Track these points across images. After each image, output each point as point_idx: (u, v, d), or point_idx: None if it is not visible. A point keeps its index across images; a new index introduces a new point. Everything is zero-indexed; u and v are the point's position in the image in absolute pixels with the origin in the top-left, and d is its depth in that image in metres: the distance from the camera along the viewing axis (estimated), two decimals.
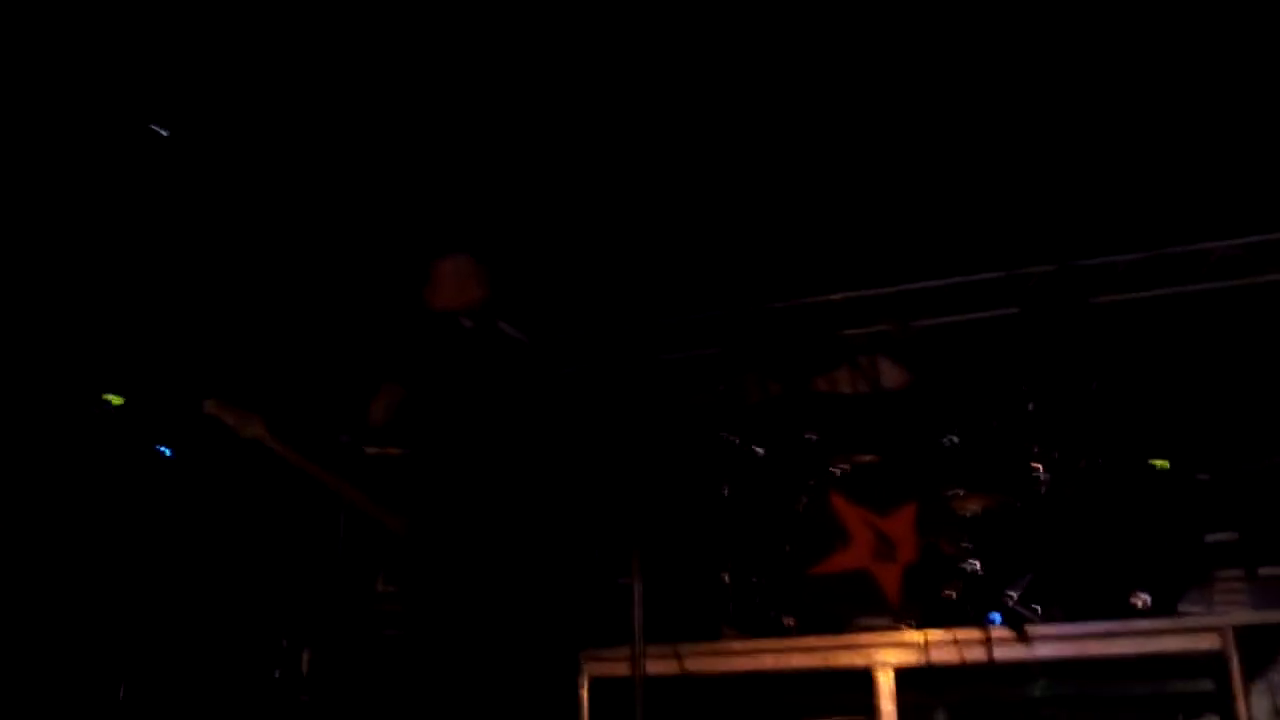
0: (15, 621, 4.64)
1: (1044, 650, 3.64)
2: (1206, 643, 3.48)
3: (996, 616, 3.83)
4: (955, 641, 3.67)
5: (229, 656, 5.44)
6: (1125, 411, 4.54)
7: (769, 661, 3.89)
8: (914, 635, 3.73)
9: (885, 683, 3.70)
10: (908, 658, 3.71)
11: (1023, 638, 3.63)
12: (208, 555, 5.94)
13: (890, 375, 4.77)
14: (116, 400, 5.82)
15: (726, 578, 4.28)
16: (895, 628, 3.83)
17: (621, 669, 3.73)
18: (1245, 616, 3.61)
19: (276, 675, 4.91)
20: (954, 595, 3.94)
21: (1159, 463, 4.59)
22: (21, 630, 4.62)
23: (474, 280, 3.84)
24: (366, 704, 4.52)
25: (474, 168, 5.49)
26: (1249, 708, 3.40)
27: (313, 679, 4.69)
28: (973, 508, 4.26)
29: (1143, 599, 3.86)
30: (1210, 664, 3.51)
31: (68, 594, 5.11)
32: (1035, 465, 4.17)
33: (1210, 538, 4.54)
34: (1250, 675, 3.50)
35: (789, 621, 4.09)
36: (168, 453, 5.76)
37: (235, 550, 5.93)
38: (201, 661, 5.49)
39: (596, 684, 3.98)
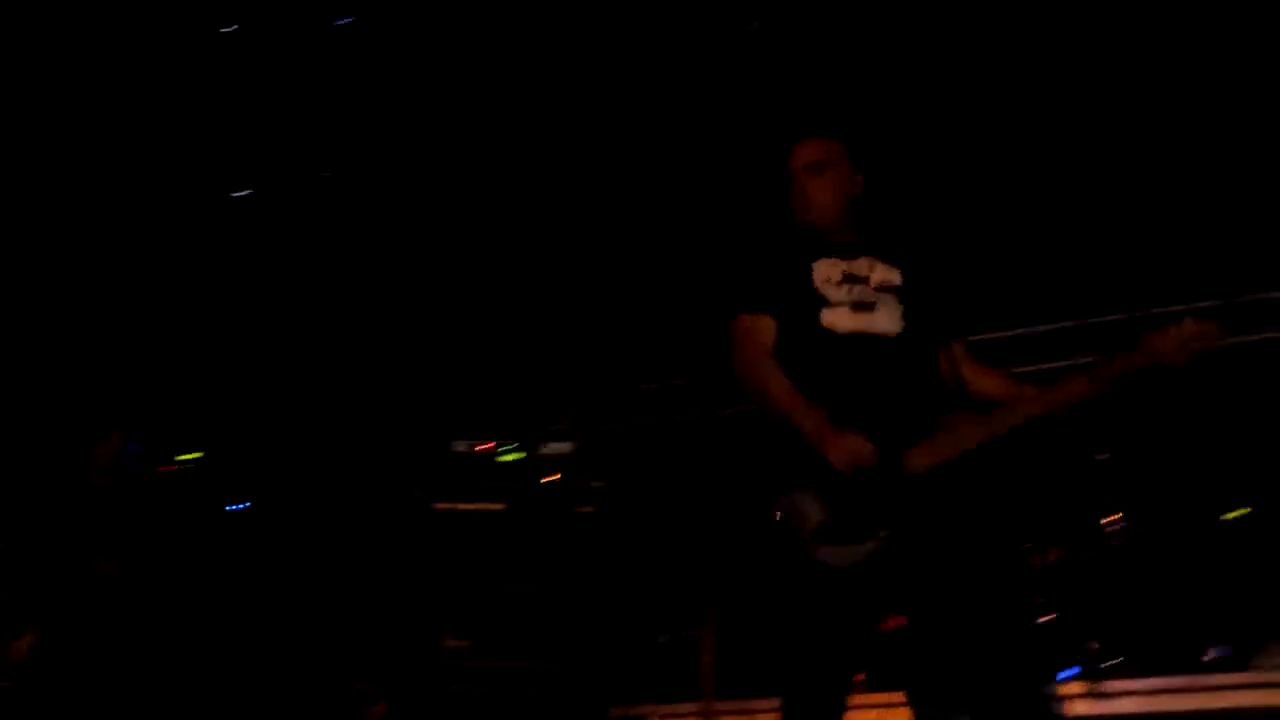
0: (99, 669, 4.74)
1: (1121, 705, 3.56)
2: None
3: (1071, 672, 3.76)
4: None
5: (306, 706, 5.51)
6: (1200, 462, 4.45)
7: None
8: None
9: None
10: None
11: (1097, 693, 3.56)
12: (284, 606, 6.04)
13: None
14: (192, 457, 5.98)
15: None
16: None
17: None
18: None
19: None
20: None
21: (1234, 514, 4.49)
22: (107, 679, 4.72)
23: None
24: None
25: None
26: None
27: None
28: (1047, 561, 4.20)
29: (1216, 653, 3.77)
30: None
31: (146, 647, 5.22)
32: (1108, 517, 4.11)
33: None
34: None
35: (859, 677, 4.04)
36: (239, 508, 5.90)
37: (310, 603, 6.03)
38: (280, 711, 5.57)
39: None
